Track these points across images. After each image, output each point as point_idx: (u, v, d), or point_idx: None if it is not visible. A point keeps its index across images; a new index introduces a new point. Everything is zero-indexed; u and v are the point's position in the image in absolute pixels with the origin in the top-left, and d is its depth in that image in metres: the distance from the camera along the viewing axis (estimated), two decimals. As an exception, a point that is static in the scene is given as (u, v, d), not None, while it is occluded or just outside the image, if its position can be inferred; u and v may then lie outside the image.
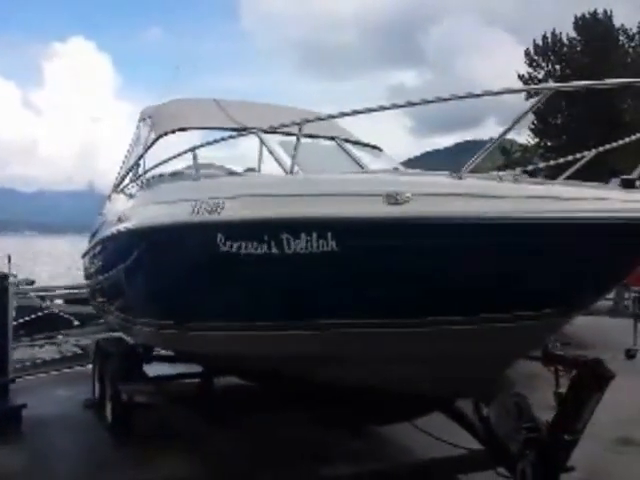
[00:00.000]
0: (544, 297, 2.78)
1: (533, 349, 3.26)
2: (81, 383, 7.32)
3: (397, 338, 3.08)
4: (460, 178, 2.88)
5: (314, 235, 3.10)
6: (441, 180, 3.08)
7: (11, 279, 7.08)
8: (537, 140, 29.01)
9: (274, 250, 3.27)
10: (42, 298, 12.30)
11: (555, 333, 3.26)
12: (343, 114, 3.49)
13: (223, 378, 5.85)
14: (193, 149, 4.29)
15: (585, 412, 2.93)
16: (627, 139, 3.70)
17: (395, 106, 3.32)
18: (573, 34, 28.66)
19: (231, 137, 4.25)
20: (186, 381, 6.14)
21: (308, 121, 3.55)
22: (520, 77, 28.93)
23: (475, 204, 2.71)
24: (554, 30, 28.93)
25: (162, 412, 5.46)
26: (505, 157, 27.09)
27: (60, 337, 10.43)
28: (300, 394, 4.35)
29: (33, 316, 10.88)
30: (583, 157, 3.96)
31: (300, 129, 3.53)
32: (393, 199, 2.87)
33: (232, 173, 4.99)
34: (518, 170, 3.29)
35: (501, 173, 3.08)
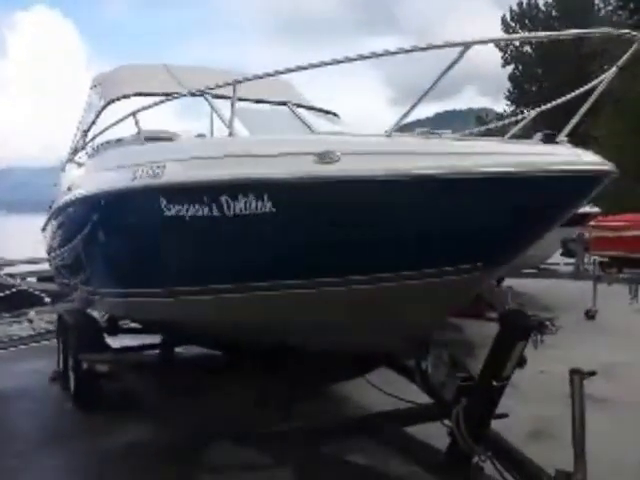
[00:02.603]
0: (464, 252, 2.84)
1: (459, 305, 3.35)
2: (48, 357, 7.34)
3: (330, 297, 3.14)
4: (389, 136, 2.92)
5: (251, 196, 3.12)
6: (371, 139, 3.11)
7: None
8: (513, 108, 29.12)
9: (215, 213, 3.28)
10: (12, 276, 12.21)
11: (479, 288, 3.35)
12: (284, 70, 3.43)
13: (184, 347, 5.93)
14: (134, 113, 4.24)
15: (511, 360, 3.04)
16: (564, 98, 3.74)
17: (361, 57, 3.18)
18: (549, -1, 28.62)
19: (171, 99, 4.19)
20: (149, 352, 6.23)
21: (248, 79, 3.51)
22: (496, 44, 28.82)
23: (398, 161, 2.75)
24: (530, -5, 28.90)
25: (124, 382, 5.51)
26: (480, 126, 27.19)
27: (31, 314, 10.42)
28: (260, 359, 4.42)
29: (2, 294, 10.83)
30: (527, 116, 4.03)
31: (234, 88, 3.50)
32: (324, 158, 2.90)
33: (178, 138, 4.96)
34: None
35: (432, 130, 3.11)
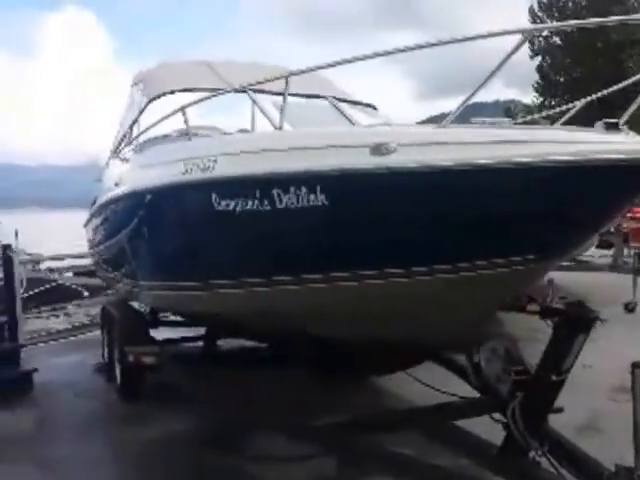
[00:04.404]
0: (522, 243, 2.80)
1: (514, 296, 3.30)
2: (91, 350, 7.50)
3: (384, 289, 3.12)
4: (444, 127, 2.89)
5: (303, 189, 3.12)
6: (425, 130, 3.08)
7: (21, 255, 7.19)
8: (541, 100, 28.50)
9: (266, 206, 3.30)
10: (52, 271, 12.51)
11: (535, 280, 3.30)
12: (330, 64, 3.44)
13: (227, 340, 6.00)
14: (182, 109, 4.28)
15: (571, 353, 2.98)
16: (613, 87, 3.65)
17: (387, 52, 3.22)
18: (578, -12, 27.89)
19: (217, 95, 4.21)
20: (191, 344, 6.32)
21: (294, 73, 3.51)
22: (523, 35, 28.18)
23: (455, 152, 2.71)
24: (558, -16, 28.18)
25: (169, 373, 5.60)
26: (509, 118, 26.70)
27: (70, 308, 10.66)
28: (299, 349, 4.44)
29: (43, 288, 11.10)
30: (574, 106, 3.94)
31: (286, 82, 3.50)
32: (379, 150, 2.88)
33: (224, 133, 4.99)
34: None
35: (486, 119, 3.06)
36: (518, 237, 2.76)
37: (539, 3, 28.47)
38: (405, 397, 5.06)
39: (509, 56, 2.72)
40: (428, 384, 4.28)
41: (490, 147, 2.66)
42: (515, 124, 4.76)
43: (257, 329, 4.51)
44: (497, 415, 3.55)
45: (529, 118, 5.58)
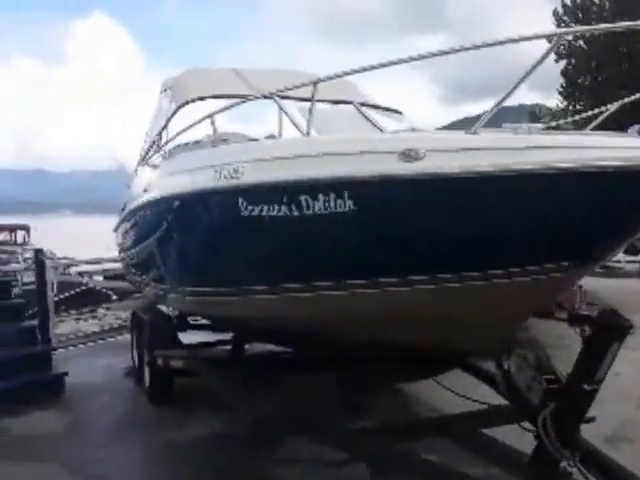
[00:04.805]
0: (555, 250, 2.76)
1: (548, 303, 3.25)
2: (121, 353, 7.64)
3: (413, 296, 3.11)
4: (475, 133, 2.86)
5: (331, 196, 3.12)
6: (456, 136, 3.05)
7: (50, 257, 7.38)
8: (565, 103, 28.08)
9: (294, 212, 3.31)
10: (81, 275, 12.76)
11: (569, 287, 3.24)
12: (355, 70, 3.44)
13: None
14: (210, 115, 4.33)
15: (604, 362, 2.93)
16: None
17: (412, 59, 3.22)
18: (602, -9, 27.39)
19: (246, 101, 4.25)
20: (219, 348, 6.38)
21: (321, 80, 3.53)
22: (549, 39, 27.76)
23: (489, 157, 2.69)
24: (583, -14, 27.71)
25: (197, 377, 5.67)
26: (533, 122, 26.33)
27: (100, 311, 10.85)
28: (327, 355, 4.44)
29: (73, 292, 11.32)
30: (607, 110, 3.86)
31: (314, 88, 3.51)
32: (408, 156, 2.88)
33: (251, 139, 5.03)
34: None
35: (516, 125, 3.03)
36: (553, 244, 2.73)
37: (563, 6, 28.11)
38: (434, 404, 5.03)
39: (541, 60, 2.68)
40: (456, 391, 4.25)
41: (528, 153, 2.62)
42: (546, 129, 4.71)
43: (284, 334, 4.54)
44: (526, 424, 3.52)
45: (555, 124, 5.49)
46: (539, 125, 3.15)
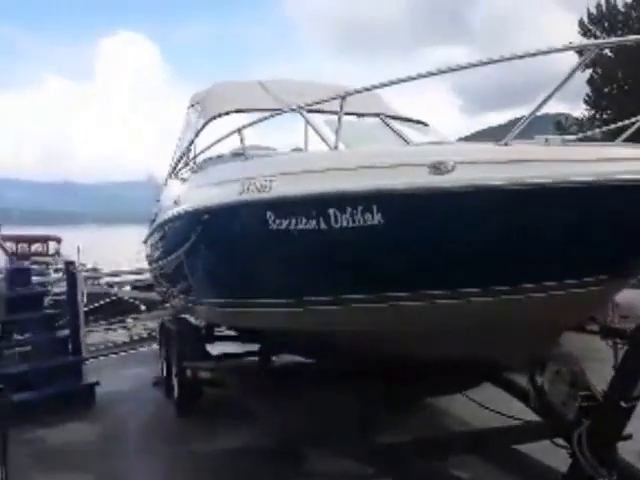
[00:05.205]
0: (593, 263, 2.71)
1: (584, 318, 3.19)
2: (149, 363, 7.72)
3: (448, 308, 3.08)
4: (506, 145, 2.84)
5: (360, 208, 3.12)
6: (486, 147, 3.03)
7: (80, 268, 7.53)
8: (592, 113, 27.66)
9: (322, 225, 3.32)
10: (110, 285, 12.97)
11: (607, 301, 3.18)
12: (383, 84, 3.46)
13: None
14: (239, 130, 4.38)
15: (642, 378, 2.85)
16: None
17: (440, 71, 3.23)
18: (629, -1, 27.00)
19: (274, 115, 4.29)
20: (247, 359, 6.39)
21: (349, 93, 3.54)
22: (579, 50, 27.38)
23: (522, 170, 2.66)
24: (608, -4, 27.38)
25: (225, 388, 5.69)
26: (560, 133, 26.01)
27: (129, 321, 11.01)
28: (356, 369, 4.42)
29: (102, 302, 11.51)
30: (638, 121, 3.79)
31: (342, 101, 3.53)
32: (437, 168, 2.86)
33: (279, 153, 5.07)
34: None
35: (549, 137, 2.99)
36: (590, 257, 2.68)
37: (589, 15, 27.78)
38: (464, 419, 4.96)
39: (573, 71, 2.66)
40: (487, 406, 4.18)
41: (561, 165, 2.59)
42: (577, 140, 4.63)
43: (312, 346, 4.53)
44: (559, 440, 3.44)
45: (582, 135, 5.40)
46: (572, 136, 3.10)
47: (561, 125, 27.08)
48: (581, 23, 27.98)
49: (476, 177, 2.73)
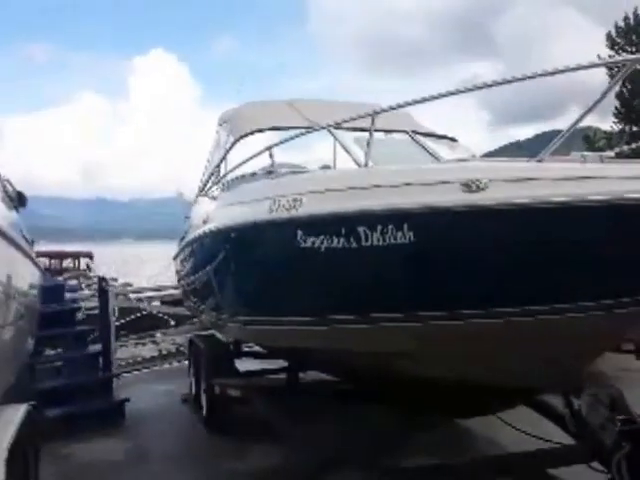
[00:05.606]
0: (635, 284, 2.63)
1: (624, 339, 3.10)
2: (178, 379, 7.75)
3: (480, 330, 3.02)
4: (540, 161, 2.79)
5: (390, 227, 3.10)
6: (519, 165, 2.99)
7: (112, 283, 7.65)
8: (621, 126, 27.18)
9: (352, 244, 3.30)
10: (140, 300, 13.14)
11: None
12: (414, 101, 3.45)
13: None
14: (269, 148, 4.41)
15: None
16: None
17: (467, 89, 3.23)
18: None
19: (304, 134, 4.31)
20: (274, 376, 6.37)
21: (377, 112, 3.54)
22: (612, 66, 27.00)
23: (558, 187, 2.61)
24: (636, 9, 26.99)
25: (254, 405, 5.68)
26: (588, 146, 25.58)
27: (158, 336, 11.10)
28: (385, 388, 4.36)
29: (133, 317, 11.65)
30: None
31: (373, 120, 3.53)
32: (470, 186, 2.83)
33: (308, 171, 5.09)
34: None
35: (585, 153, 2.93)
36: (628, 277, 2.60)
37: (616, 28, 27.46)
38: (495, 441, 4.84)
39: (611, 87, 2.64)
40: (519, 428, 4.07)
41: (598, 182, 2.53)
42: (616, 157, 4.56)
43: (341, 365, 4.49)
44: (596, 464, 3.34)
45: (617, 150, 5.29)
46: (610, 153, 3.04)
47: (589, 139, 26.71)
48: (609, 37, 27.67)
49: (510, 195, 2.68)
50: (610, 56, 26.30)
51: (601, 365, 3.53)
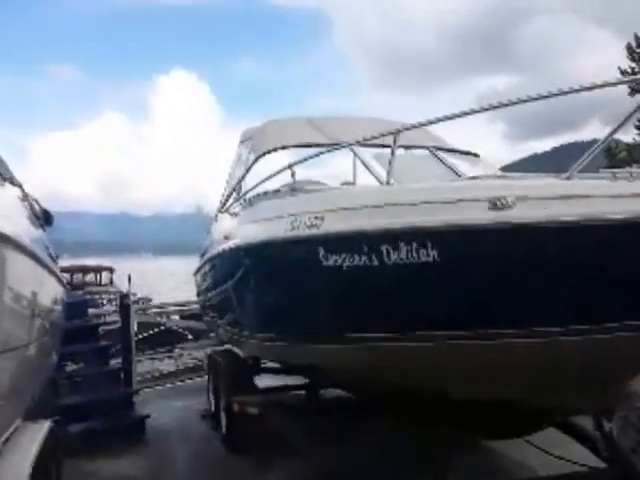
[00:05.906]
0: None
1: None
2: (197, 394, 7.73)
3: (507, 349, 2.97)
4: (568, 179, 2.75)
5: (414, 245, 3.07)
6: (547, 182, 2.95)
7: (132, 298, 7.70)
8: (644, 138, 26.79)
9: (374, 262, 3.28)
10: (159, 315, 13.20)
11: None
12: (437, 120, 3.44)
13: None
14: (290, 166, 4.42)
15: None
16: None
17: (492, 107, 3.21)
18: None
19: (326, 152, 4.32)
20: (294, 392, 6.33)
21: (400, 131, 3.53)
22: (623, 72, 26.83)
23: (587, 205, 2.56)
24: (655, 20, 26.77)
25: (273, 423, 5.64)
26: (609, 158, 25.29)
27: (177, 351, 11.12)
28: (409, 408, 4.30)
29: (152, 332, 11.69)
30: None
31: (395, 139, 3.52)
32: (496, 204, 2.79)
33: (329, 188, 5.08)
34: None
35: (615, 170, 2.88)
36: None
37: (636, 39, 27.23)
38: (525, 464, 4.71)
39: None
40: (549, 451, 3.97)
41: (628, 201, 2.48)
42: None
43: (362, 383, 4.44)
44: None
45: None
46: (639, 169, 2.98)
47: (611, 150, 26.41)
48: (629, 48, 27.47)
49: (539, 214, 2.64)
50: (631, 67, 26.07)
51: (633, 385, 3.45)
